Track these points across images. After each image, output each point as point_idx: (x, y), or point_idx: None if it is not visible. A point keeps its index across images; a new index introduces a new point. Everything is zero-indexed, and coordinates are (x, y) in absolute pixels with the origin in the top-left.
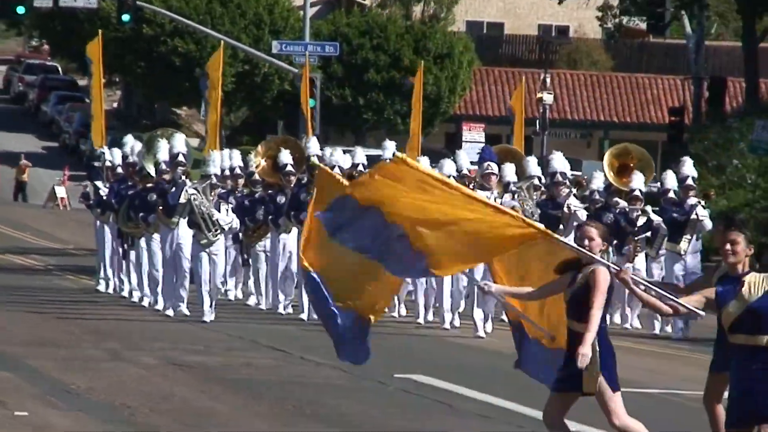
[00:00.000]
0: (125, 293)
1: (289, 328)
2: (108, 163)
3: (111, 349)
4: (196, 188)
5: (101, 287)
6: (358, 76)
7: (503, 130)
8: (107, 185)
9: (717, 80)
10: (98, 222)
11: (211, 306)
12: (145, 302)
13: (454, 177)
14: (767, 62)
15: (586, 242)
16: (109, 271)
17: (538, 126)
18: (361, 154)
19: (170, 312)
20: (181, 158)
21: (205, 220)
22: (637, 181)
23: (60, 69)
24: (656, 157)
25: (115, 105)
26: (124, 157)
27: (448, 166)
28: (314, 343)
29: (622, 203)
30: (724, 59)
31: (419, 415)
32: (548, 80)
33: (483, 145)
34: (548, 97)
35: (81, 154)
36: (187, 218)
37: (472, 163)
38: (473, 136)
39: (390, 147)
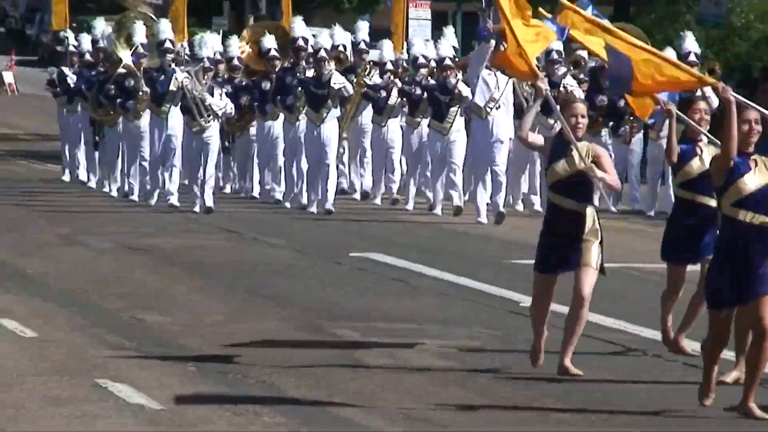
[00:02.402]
0: (92, 183)
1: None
2: (72, 48)
3: (63, 234)
4: (188, 71)
5: (66, 177)
6: None
7: (449, 6)
8: (74, 71)
9: None
10: (64, 110)
11: (205, 194)
12: (113, 192)
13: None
14: None
15: (580, 120)
16: (80, 160)
17: (483, 2)
18: (340, 35)
19: (153, 201)
20: (168, 44)
21: (197, 105)
22: None
23: None
24: None
25: None
26: (94, 41)
27: (387, 48)
28: (269, 225)
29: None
30: None
31: (374, 293)
32: None
33: (428, 21)
34: None
35: (27, 39)
36: (179, 104)
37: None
38: (419, 14)
39: (363, 27)
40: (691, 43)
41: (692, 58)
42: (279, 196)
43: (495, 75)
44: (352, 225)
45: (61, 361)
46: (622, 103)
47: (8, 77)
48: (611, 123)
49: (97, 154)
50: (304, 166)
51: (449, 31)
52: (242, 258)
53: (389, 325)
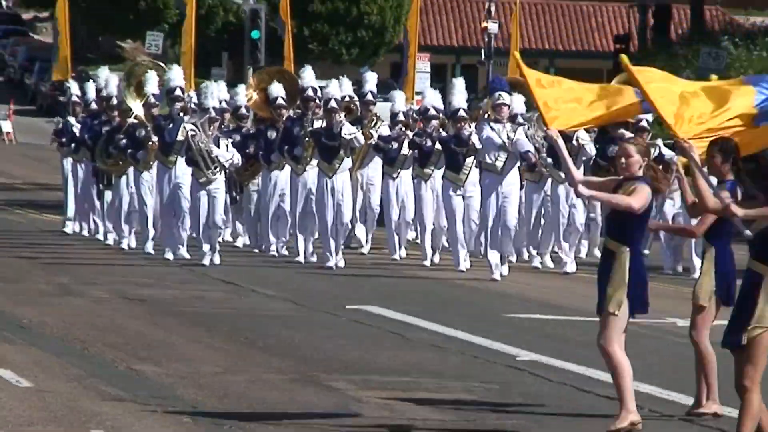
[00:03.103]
0: (100, 235)
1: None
2: (75, 98)
3: (61, 284)
4: (194, 123)
5: (68, 229)
6: (303, 6)
7: (449, 59)
8: (78, 120)
9: (662, 7)
10: (68, 160)
11: (212, 248)
12: (124, 244)
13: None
14: None
15: (623, 160)
16: (79, 212)
17: (483, 55)
18: (347, 86)
19: (170, 255)
20: (178, 92)
21: (203, 158)
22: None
23: (3, 3)
24: None
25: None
26: (98, 90)
27: (399, 99)
28: (266, 277)
29: (628, 134)
30: None
31: (372, 345)
32: (493, 9)
33: (427, 73)
34: (493, 26)
35: (26, 88)
36: (184, 156)
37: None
38: (418, 66)
39: (371, 79)
40: None
41: None
42: (274, 249)
43: (504, 127)
44: (349, 277)
45: (57, 411)
46: None
47: (6, 126)
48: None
49: (98, 204)
50: (330, 219)
51: (459, 82)
52: (239, 309)
53: (385, 378)
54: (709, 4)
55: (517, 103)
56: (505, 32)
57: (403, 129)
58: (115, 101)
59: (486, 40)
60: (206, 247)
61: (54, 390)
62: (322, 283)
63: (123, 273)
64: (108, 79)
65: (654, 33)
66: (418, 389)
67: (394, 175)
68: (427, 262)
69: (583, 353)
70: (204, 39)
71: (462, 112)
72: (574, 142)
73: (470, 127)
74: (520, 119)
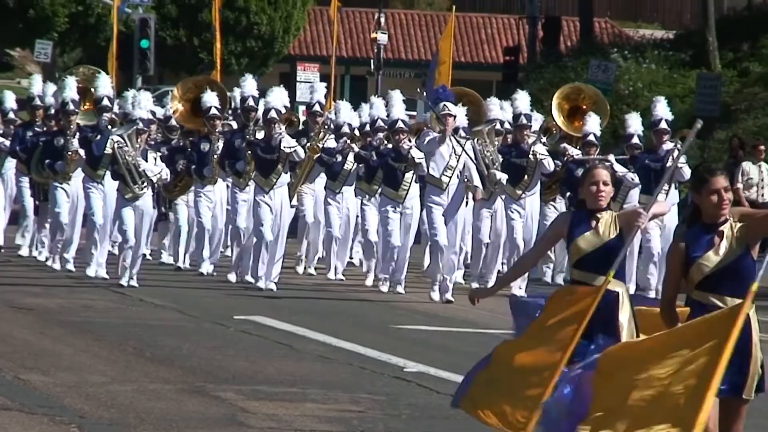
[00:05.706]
0: (22, 252)
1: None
2: None
3: None
4: (121, 135)
5: None
6: (192, 16)
7: (338, 70)
8: (1, 131)
9: (552, 19)
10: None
11: (134, 267)
12: (59, 264)
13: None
14: (600, 2)
15: (603, 188)
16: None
17: (372, 66)
18: (284, 96)
19: (101, 272)
20: (106, 102)
21: (130, 171)
22: (592, 125)
23: None
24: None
25: None
26: (31, 99)
27: (345, 110)
28: (155, 286)
29: (572, 150)
30: None
31: (260, 356)
32: (383, 20)
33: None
34: (383, 37)
35: None
36: (110, 170)
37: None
38: (308, 76)
39: (320, 89)
40: (662, 110)
41: (663, 125)
42: (205, 268)
43: (451, 142)
44: (239, 288)
45: None
46: (580, 172)
47: None
48: (568, 193)
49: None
50: (268, 236)
51: (397, 94)
52: (128, 319)
53: (273, 388)
54: (598, 16)
55: (459, 116)
56: (394, 43)
57: (348, 142)
58: (52, 111)
59: (375, 50)
60: (130, 266)
61: None
62: (209, 293)
63: (10, 282)
64: (46, 87)
65: (543, 45)
66: (306, 400)
67: (337, 191)
68: (369, 282)
69: (470, 365)
70: (93, 48)
71: (401, 124)
72: (531, 156)
73: (410, 141)
74: (462, 133)
